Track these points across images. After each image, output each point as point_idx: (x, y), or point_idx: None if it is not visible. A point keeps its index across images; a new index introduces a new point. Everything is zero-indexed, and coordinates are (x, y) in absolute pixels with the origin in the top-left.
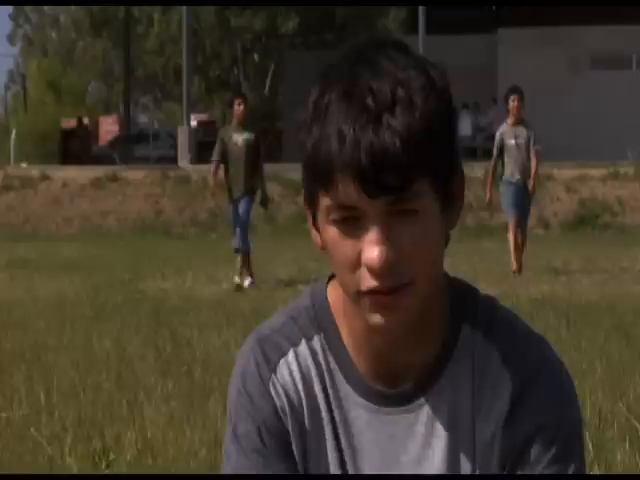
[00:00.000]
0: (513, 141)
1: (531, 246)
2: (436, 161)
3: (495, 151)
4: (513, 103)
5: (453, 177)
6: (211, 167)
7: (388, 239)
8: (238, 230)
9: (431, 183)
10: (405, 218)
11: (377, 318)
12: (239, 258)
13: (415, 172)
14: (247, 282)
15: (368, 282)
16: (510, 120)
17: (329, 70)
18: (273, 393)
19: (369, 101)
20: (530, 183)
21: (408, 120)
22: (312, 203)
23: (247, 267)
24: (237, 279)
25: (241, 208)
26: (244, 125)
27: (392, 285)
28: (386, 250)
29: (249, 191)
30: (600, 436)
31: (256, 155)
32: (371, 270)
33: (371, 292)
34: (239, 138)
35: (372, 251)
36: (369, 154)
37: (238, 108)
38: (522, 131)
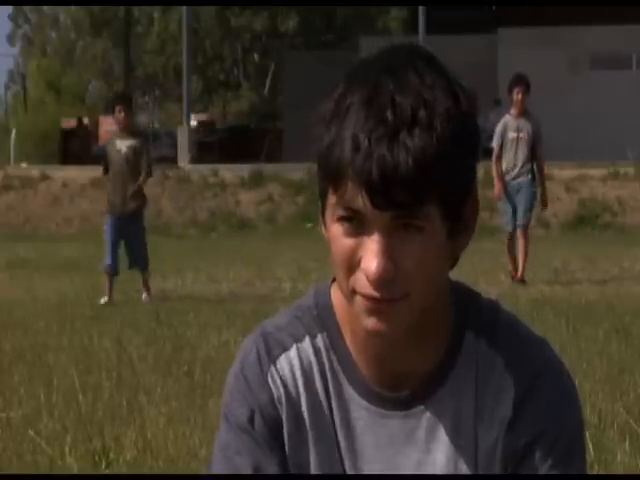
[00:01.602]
0: (514, 134)
1: (531, 246)
2: (448, 188)
3: (496, 141)
4: (517, 96)
5: (466, 202)
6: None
7: (388, 252)
8: (131, 251)
9: (440, 208)
10: (410, 233)
11: (372, 322)
12: (109, 277)
13: (424, 195)
14: (145, 296)
15: (365, 288)
16: (513, 111)
17: (357, 69)
18: (271, 383)
19: (389, 114)
20: (539, 191)
21: (425, 143)
22: (323, 197)
23: (144, 282)
24: (105, 299)
25: (133, 228)
26: (128, 132)
27: (388, 296)
28: (385, 263)
29: (138, 207)
30: (600, 436)
31: (140, 164)
32: (368, 279)
33: (366, 296)
34: (122, 145)
35: (371, 261)
36: (380, 168)
37: (119, 115)
38: (525, 124)
